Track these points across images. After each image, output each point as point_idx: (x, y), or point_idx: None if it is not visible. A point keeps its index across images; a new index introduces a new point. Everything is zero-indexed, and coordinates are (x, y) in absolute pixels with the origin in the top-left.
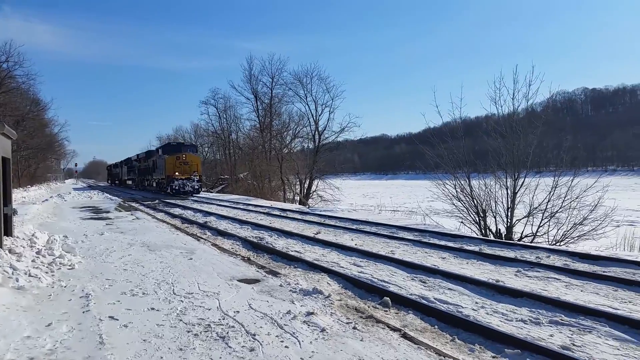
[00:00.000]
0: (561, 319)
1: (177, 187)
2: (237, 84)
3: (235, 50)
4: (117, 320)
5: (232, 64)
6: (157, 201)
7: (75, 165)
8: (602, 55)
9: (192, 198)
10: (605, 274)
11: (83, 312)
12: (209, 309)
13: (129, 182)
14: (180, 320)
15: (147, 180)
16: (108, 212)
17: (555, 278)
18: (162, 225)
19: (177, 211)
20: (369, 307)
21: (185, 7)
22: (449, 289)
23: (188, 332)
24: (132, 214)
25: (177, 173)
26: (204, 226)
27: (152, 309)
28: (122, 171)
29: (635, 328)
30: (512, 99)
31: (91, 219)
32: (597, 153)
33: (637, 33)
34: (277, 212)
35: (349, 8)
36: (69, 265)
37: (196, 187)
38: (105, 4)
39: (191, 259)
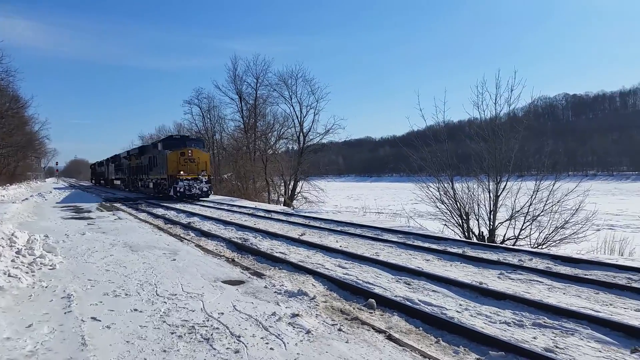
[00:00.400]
0: (544, 322)
1: (182, 190)
2: (221, 84)
3: (220, 51)
4: (100, 321)
5: (217, 64)
6: (139, 201)
7: (56, 164)
8: (583, 62)
9: (175, 199)
10: (586, 277)
11: (65, 313)
12: (193, 311)
13: (117, 182)
14: (164, 321)
15: (141, 180)
16: (90, 211)
17: (537, 281)
18: (144, 225)
19: (160, 211)
20: (354, 308)
21: (171, 7)
22: (434, 290)
23: (172, 333)
24: (114, 214)
25: (182, 172)
26: (187, 227)
27: (135, 310)
28: (109, 170)
29: (616, 330)
30: (495, 104)
31: (73, 218)
32: (578, 158)
33: (614, 42)
34: (262, 213)
35: (333, 11)
36: (50, 266)
37: (205, 189)
38: (89, 2)
39: (174, 259)
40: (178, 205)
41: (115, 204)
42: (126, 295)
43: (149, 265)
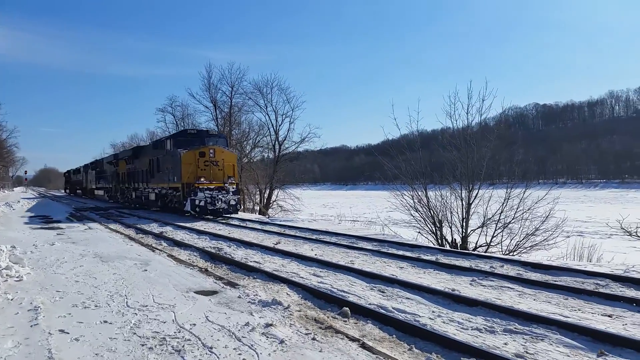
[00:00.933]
0: (515, 328)
1: (202, 203)
2: (195, 92)
3: (194, 59)
4: (68, 333)
5: (191, 72)
6: (111, 210)
7: (25, 173)
8: (551, 73)
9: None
10: (556, 283)
11: (31, 326)
12: (164, 322)
13: (99, 192)
14: (134, 333)
15: (136, 190)
16: (59, 221)
17: (509, 287)
18: (115, 235)
19: (131, 221)
20: (328, 317)
21: (143, 15)
22: (407, 298)
23: (142, 345)
24: (84, 224)
25: (202, 179)
26: (159, 236)
27: (105, 321)
28: (88, 178)
29: (584, 335)
30: (467, 113)
31: (41, 228)
32: (548, 166)
33: (581, 54)
34: (237, 222)
35: (309, 20)
36: (17, 277)
37: (233, 202)
38: (62, 9)
39: (146, 270)
40: (151, 215)
41: (84, 213)
42: (96, 306)
43: (119, 276)
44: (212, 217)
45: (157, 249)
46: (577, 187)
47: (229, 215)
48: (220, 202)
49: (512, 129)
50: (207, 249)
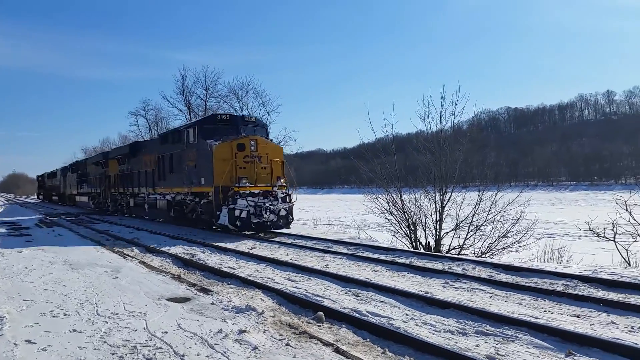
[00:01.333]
0: (486, 329)
1: (245, 214)
2: (169, 95)
3: (168, 62)
4: (35, 343)
5: (165, 75)
6: (80, 216)
7: None
8: (523, 76)
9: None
10: (527, 284)
11: None
12: (135, 330)
13: (83, 199)
14: (105, 342)
15: (137, 196)
16: (28, 228)
17: (480, 289)
18: (86, 242)
19: (103, 227)
20: (302, 322)
21: (117, 17)
22: (381, 301)
23: (113, 354)
24: (54, 230)
25: (244, 180)
26: (131, 243)
27: (74, 330)
28: (67, 182)
29: (553, 335)
30: (440, 117)
31: (9, 235)
32: (519, 169)
33: (548, 58)
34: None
35: (283, 23)
36: None
37: (284, 212)
38: (27, 10)
39: (117, 277)
40: (122, 222)
41: (54, 219)
42: (65, 315)
43: (89, 284)
44: (258, 233)
45: (129, 255)
46: (548, 189)
47: (285, 230)
48: (268, 213)
49: (484, 132)
50: (180, 255)
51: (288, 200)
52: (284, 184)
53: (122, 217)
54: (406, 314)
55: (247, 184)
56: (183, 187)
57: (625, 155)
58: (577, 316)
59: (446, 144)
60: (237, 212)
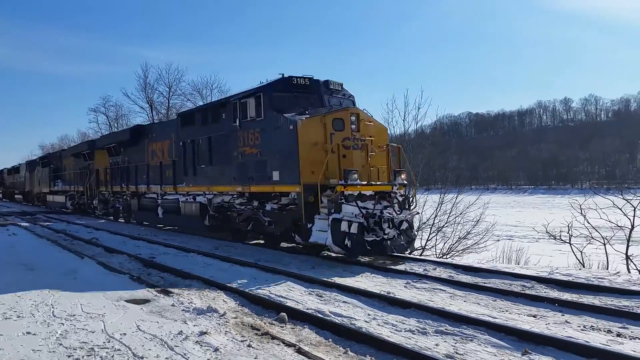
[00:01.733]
0: (446, 329)
1: (355, 229)
2: (130, 92)
3: (129, 57)
4: None
5: (126, 71)
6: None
7: None
8: (483, 83)
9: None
10: (485, 285)
11: None
12: (93, 332)
13: (57, 199)
14: (60, 344)
15: (145, 196)
16: None
17: (441, 289)
18: (43, 241)
19: (60, 226)
20: (265, 323)
21: (76, 9)
22: (344, 302)
23: (69, 357)
24: (7, 229)
25: (354, 174)
26: (90, 243)
27: (28, 333)
28: (34, 178)
29: (510, 335)
30: (403, 121)
31: None
32: (480, 172)
33: (509, 65)
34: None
35: (248, 23)
36: None
37: (405, 224)
38: None
39: (75, 278)
40: (82, 221)
41: (8, 217)
42: (18, 317)
43: (45, 285)
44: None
45: (87, 256)
46: (507, 192)
47: (415, 255)
48: (389, 226)
49: (446, 136)
50: (141, 256)
51: (407, 207)
52: (405, 182)
53: (117, 222)
54: (368, 314)
55: (358, 182)
56: (233, 186)
57: (581, 161)
58: (534, 316)
59: (409, 147)
60: (344, 226)
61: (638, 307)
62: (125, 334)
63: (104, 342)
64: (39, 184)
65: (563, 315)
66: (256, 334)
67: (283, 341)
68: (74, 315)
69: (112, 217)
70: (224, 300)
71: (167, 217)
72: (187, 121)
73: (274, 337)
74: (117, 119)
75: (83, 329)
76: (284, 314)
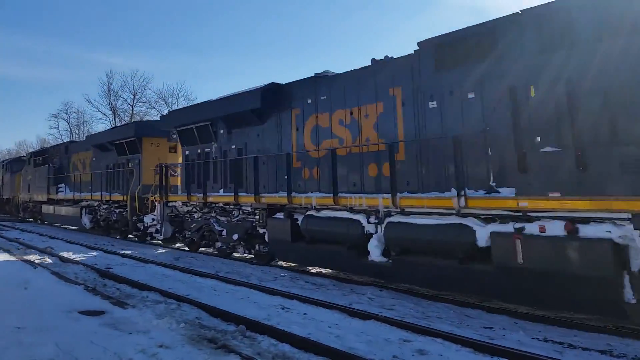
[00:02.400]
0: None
1: None
2: (94, 98)
3: (92, 63)
4: None
5: (89, 77)
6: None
7: None
8: None
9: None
10: None
11: None
12: (44, 345)
13: (62, 211)
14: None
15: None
16: None
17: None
18: None
19: (13, 235)
20: (223, 336)
21: (41, 14)
22: (305, 313)
23: None
24: None
25: None
26: (44, 252)
27: None
28: (20, 181)
29: None
30: None
31: None
32: None
33: None
34: (136, 237)
35: (218, 31)
36: None
37: None
38: None
39: (26, 288)
40: (37, 230)
41: None
42: None
43: None
44: None
45: (41, 265)
46: None
47: None
48: None
49: None
50: (97, 266)
51: None
52: None
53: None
54: (329, 327)
55: None
56: None
57: None
58: None
59: None
60: None
61: None
62: (76, 346)
63: (52, 358)
64: (27, 190)
65: None
66: (213, 348)
67: (240, 354)
68: (23, 327)
69: (187, 248)
70: (181, 313)
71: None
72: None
73: (231, 351)
74: (78, 125)
75: (33, 343)
76: (243, 326)
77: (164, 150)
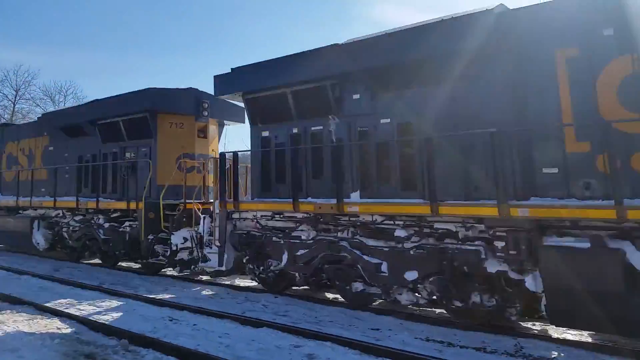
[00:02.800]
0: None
1: None
2: None
3: None
4: None
5: None
6: None
7: None
8: None
9: None
10: None
11: None
12: None
13: None
14: None
15: None
16: None
17: None
18: None
19: None
20: (103, 351)
21: None
22: (194, 324)
23: None
24: None
25: None
26: None
27: None
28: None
29: None
30: None
31: None
32: None
33: None
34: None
35: (107, 28)
36: None
37: None
38: None
39: None
40: None
41: None
42: None
43: None
44: None
45: None
46: None
47: None
48: None
49: None
50: None
51: None
52: None
53: None
54: (220, 336)
55: None
56: None
57: None
58: None
59: None
60: None
61: None
62: None
63: None
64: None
65: None
66: None
67: None
68: None
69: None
70: (58, 327)
71: None
72: None
73: None
74: None
75: None
76: (126, 340)
77: (190, 133)
